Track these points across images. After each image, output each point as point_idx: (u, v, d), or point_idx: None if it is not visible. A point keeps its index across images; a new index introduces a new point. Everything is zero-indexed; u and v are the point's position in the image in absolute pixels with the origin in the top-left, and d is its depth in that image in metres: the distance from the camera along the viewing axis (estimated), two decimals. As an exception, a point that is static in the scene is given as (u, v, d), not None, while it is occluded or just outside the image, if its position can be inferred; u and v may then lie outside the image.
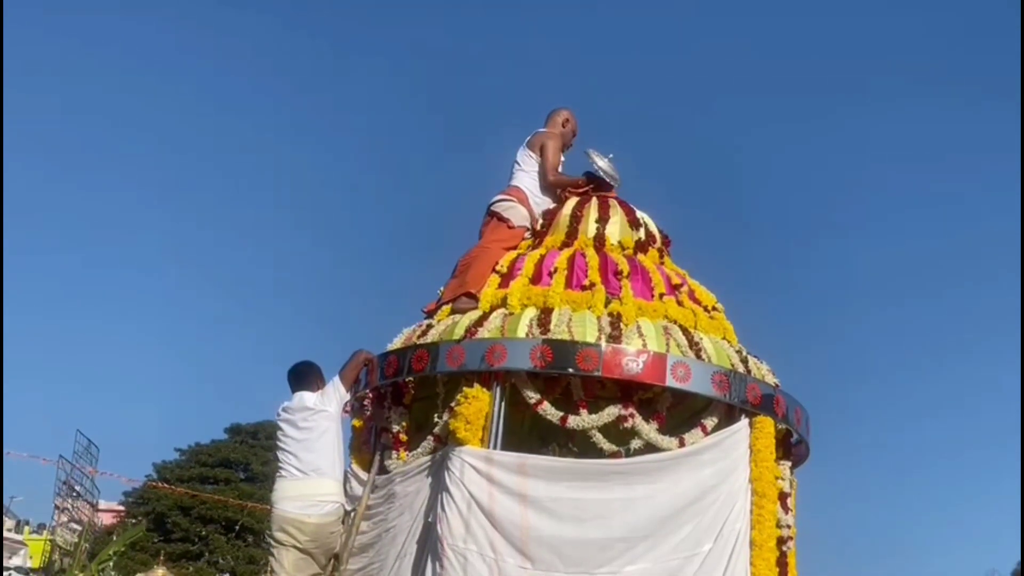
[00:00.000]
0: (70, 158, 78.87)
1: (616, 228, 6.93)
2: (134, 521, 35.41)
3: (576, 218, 6.93)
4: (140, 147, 78.76)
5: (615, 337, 5.95)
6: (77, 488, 23.12)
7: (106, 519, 34.58)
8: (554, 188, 7.20)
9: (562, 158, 7.43)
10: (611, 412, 5.92)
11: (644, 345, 5.96)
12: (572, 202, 7.06)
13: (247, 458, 37.69)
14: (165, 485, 34.49)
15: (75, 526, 22.56)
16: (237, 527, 35.44)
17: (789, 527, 6.29)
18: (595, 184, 7.21)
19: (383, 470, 6.34)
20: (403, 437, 6.32)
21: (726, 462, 5.98)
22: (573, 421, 5.93)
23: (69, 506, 22.88)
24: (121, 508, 39.03)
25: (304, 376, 6.46)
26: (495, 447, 5.81)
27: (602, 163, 7.20)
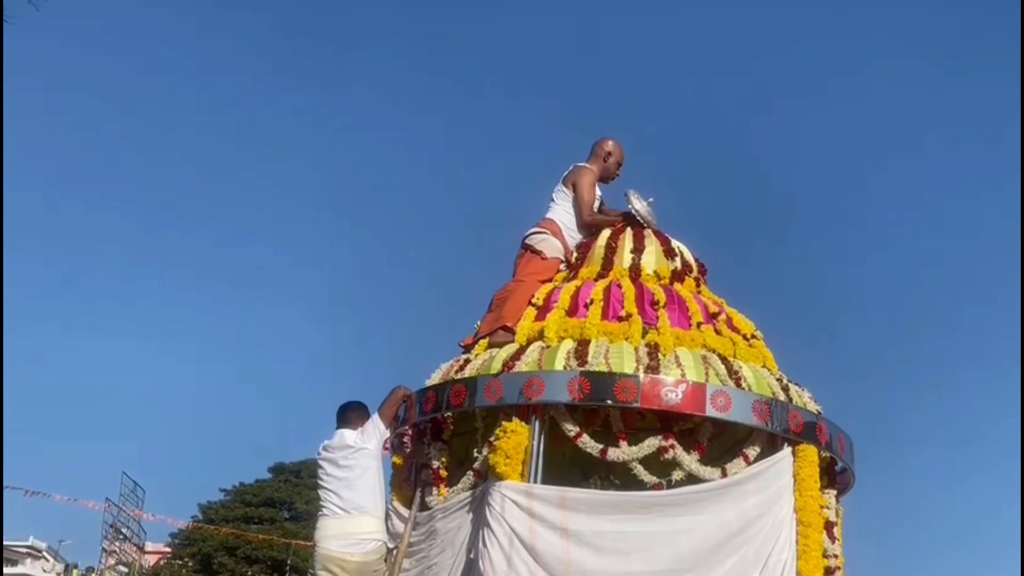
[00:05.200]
0: (124, 186, 79.89)
1: (651, 258, 6.91)
2: (180, 562, 35.62)
3: (611, 249, 6.93)
4: (188, 173, 79.60)
5: (653, 367, 5.92)
6: (124, 531, 23.31)
7: (153, 560, 34.77)
8: (590, 228, 7.18)
9: (598, 192, 7.40)
10: (651, 443, 5.88)
11: (683, 375, 5.92)
12: (606, 233, 7.07)
13: (291, 497, 37.78)
14: (210, 526, 34.63)
15: (123, 568, 22.73)
16: (285, 567, 35.47)
17: (836, 556, 6.21)
18: (631, 226, 7.18)
19: (424, 507, 6.33)
20: (443, 473, 6.32)
21: (770, 492, 5.92)
22: (613, 453, 5.90)
23: (117, 548, 23.07)
24: (168, 549, 39.25)
25: (351, 415, 6.47)
26: (535, 481, 5.79)
27: (639, 206, 7.16)
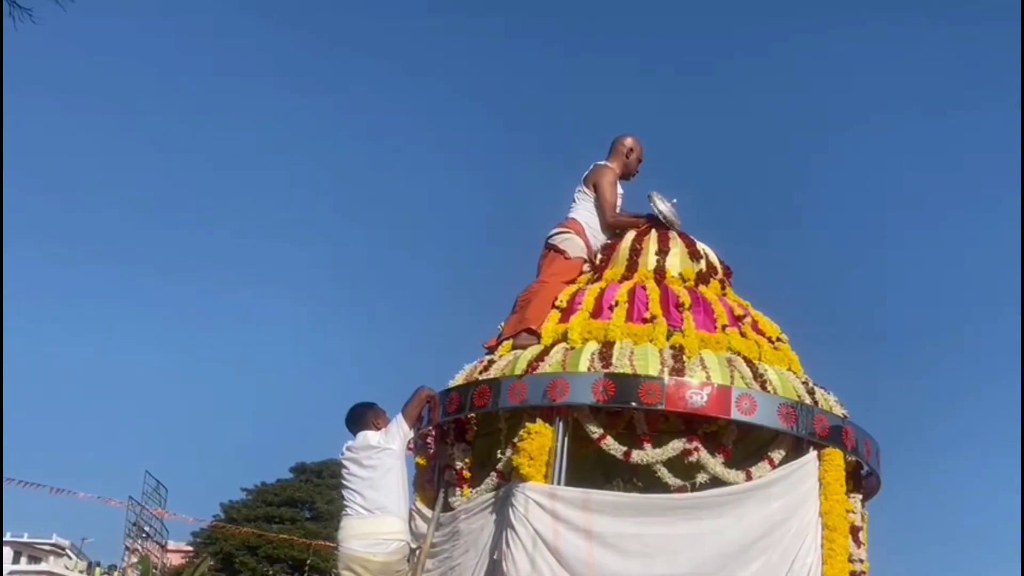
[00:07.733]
0: (149, 190, 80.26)
1: (676, 260, 6.88)
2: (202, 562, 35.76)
3: (636, 251, 6.90)
4: (209, 178, 79.98)
5: (678, 370, 5.90)
6: (146, 529, 23.42)
7: (175, 559, 34.93)
8: (614, 229, 7.15)
9: (620, 191, 7.38)
10: (675, 446, 5.86)
11: (708, 377, 5.90)
12: (631, 235, 7.04)
13: (312, 497, 37.94)
14: (232, 525, 34.78)
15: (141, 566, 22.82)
16: (306, 567, 35.59)
17: (862, 561, 6.17)
18: (655, 227, 7.15)
19: (447, 507, 6.32)
20: (466, 474, 6.30)
21: (795, 495, 5.88)
22: (637, 455, 5.87)
23: (139, 547, 23.18)
24: (190, 548, 39.44)
25: (359, 419, 6.48)
26: (559, 483, 5.77)
27: (663, 207, 7.12)
